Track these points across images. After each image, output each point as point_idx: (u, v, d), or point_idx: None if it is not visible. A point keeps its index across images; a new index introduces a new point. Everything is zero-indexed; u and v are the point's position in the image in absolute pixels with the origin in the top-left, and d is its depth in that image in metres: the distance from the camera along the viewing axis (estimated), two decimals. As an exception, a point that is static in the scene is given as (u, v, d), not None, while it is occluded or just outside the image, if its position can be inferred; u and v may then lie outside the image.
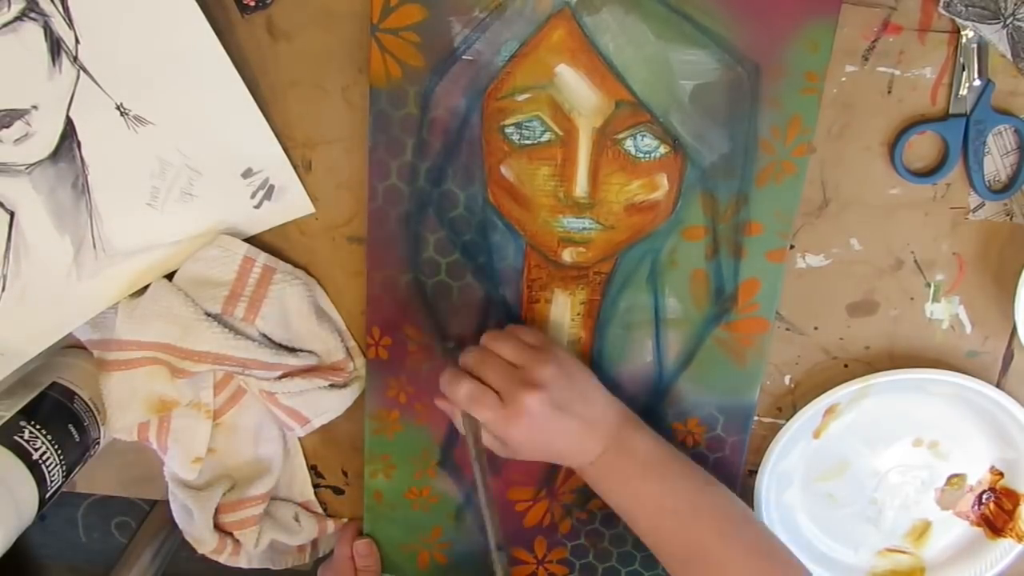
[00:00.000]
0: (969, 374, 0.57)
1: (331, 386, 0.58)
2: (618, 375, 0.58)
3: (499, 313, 0.56)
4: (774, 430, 0.60)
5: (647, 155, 0.52)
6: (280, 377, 0.56)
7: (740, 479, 0.60)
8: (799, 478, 0.62)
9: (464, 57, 0.50)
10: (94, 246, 0.54)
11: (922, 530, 0.63)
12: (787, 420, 0.59)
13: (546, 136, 0.52)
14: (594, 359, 0.57)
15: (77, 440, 0.56)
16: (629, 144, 0.52)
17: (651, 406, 0.58)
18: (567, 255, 0.55)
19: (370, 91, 0.51)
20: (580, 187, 0.53)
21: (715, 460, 0.60)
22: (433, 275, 0.56)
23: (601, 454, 0.51)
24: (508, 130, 0.52)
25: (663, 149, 0.52)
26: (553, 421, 0.49)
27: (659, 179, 0.53)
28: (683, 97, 0.50)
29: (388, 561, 0.65)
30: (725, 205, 0.53)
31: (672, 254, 0.54)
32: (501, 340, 0.52)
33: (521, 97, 0.51)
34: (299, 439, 0.64)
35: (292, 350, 0.57)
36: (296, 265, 0.57)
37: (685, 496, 0.51)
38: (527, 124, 0.51)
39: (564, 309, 0.56)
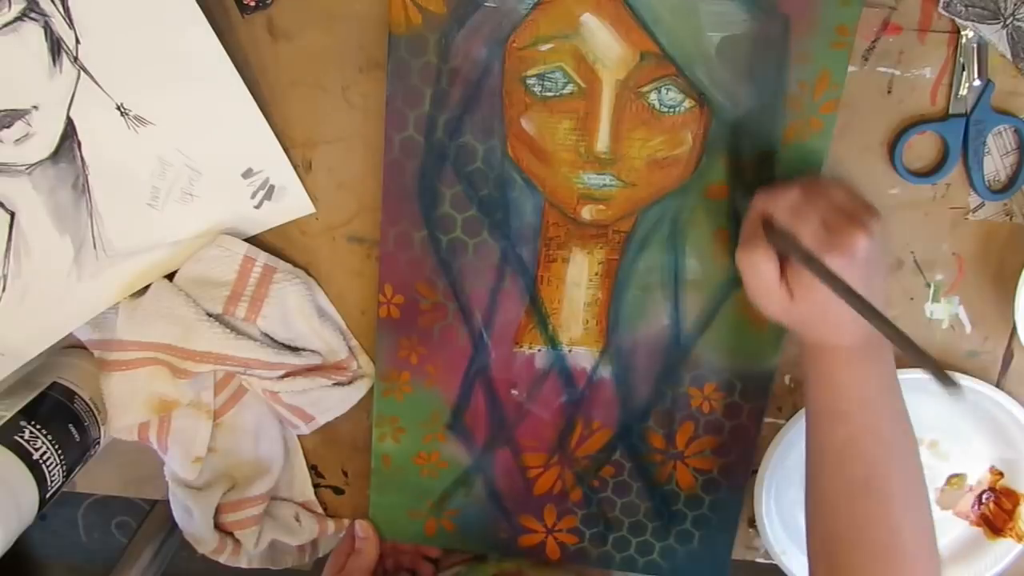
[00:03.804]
0: (969, 374, 0.57)
1: (335, 384, 0.58)
2: (635, 337, 0.56)
3: (515, 272, 0.55)
4: (774, 430, 0.60)
5: (671, 109, 0.51)
6: (283, 376, 0.56)
7: (755, 448, 0.59)
8: (800, 478, 0.61)
9: (487, 4, 0.49)
10: (95, 246, 0.54)
11: None
12: (787, 420, 0.59)
13: (568, 88, 0.50)
14: (611, 320, 0.56)
15: (77, 440, 0.56)
16: (653, 98, 0.50)
17: (668, 370, 0.57)
18: (586, 212, 0.53)
19: (389, 38, 0.50)
20: (602, 142, 0.51)
21: (731, 428, 0.58)
22: (449, 231, 0.54)
23: (860, 343, 0.46)
24: (530, 81, 0.50)
25: (688, 103, 0.50)
26: (863, 274, 0.44)
27: (683, 134, 0.51)
28: (710, 49, 0.49)
29: (395, 527, 0.64)
30: (750, 163, 0.52)
31: (694, 213, 0.53)
32: (834, 185, 0.47)
33: (544, 47, 0.50)
34: (299, 439, 0.64)
35: (294, 349, 0.57)
36: (296, 265, 0.57)
37: (896, 433, 0.48)
38: (550, 75, 0.50)
39: (582, 268, 0.55)
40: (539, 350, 0.58)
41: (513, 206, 0.54)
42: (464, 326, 0.57)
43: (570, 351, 0.57)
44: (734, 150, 0.51)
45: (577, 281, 0.55)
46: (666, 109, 0.51)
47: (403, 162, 0.53)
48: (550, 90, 0.51)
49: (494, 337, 0.57)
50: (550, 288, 0.56)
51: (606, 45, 0.49)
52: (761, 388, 0.57)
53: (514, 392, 0.59)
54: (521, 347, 0.57)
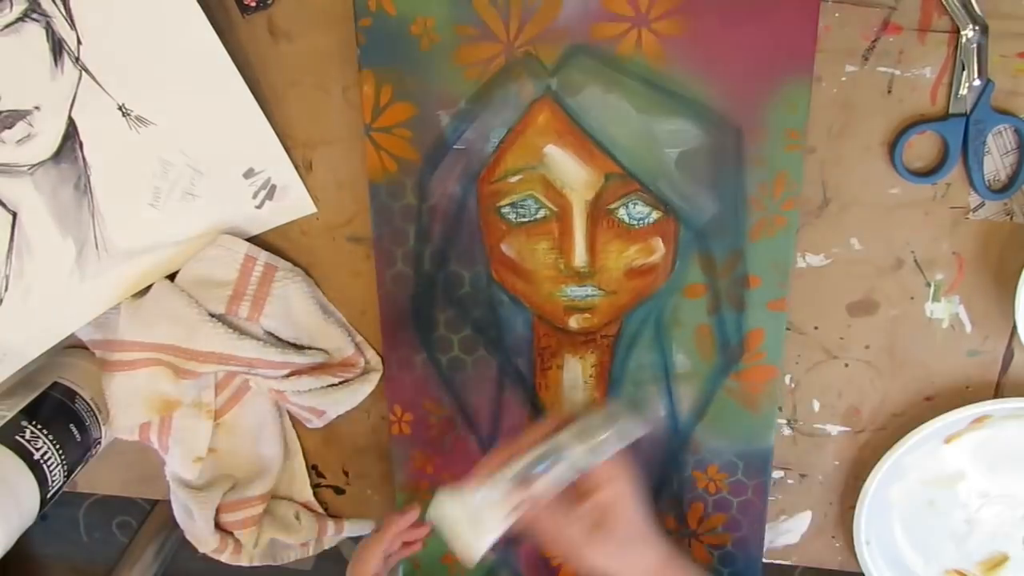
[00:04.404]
0: (969, 373, 0.57)
1: (342, 383, 0.58)
2: None
3: (514, 382, 0.58)
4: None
5: (641, 221, 0.53)
6: (289, 375, 0.56)
7: (764, 519, 0.61)
8: (912, 475, 0.61)
9: (456, 147, 0.52)
10: (96, 247, 0.54)
11: (997, 562, 0.62)
12: (787, 420, 0.59)
13: (541, 213, 0.53)
14: None
15: (78, 440, 0.56)
16: (622, 213, 0.53)
17: (671, 457, 0.59)
18: (573, 322, 0.56)
19: (369, 186, 0.53)
20: (579, 257, 0.54)
21: (739, 504, 0.61)
22: (447, 352, 0.57)
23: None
24: (504, 210, 0.53)
25: (656, 214, 0.53)
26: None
27: (655, 243, 0.54)
28: (670, 164, 0.51)
29: None
30: (722, 262, 0.54)
31: (675, 312, 0.55)
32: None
33: (514, 179, 0.52)
34: (299, 439, 0.64)
35: (299, 348, 0.57)
36: (297, 265, 0.57)
37: None
38: (522, 203, 0.53)
39: (576, 373, 0.58)
40: None
41: (504, 323, 0.56)
42: (473, 435, 0.60)
43: None
44: (705, 252, 0.54)
45: (574, 385, 0.58)
46: (635, 222, 0.53)
47: (396, 294, 0.56)
48: (524, 216, 0.53)
49: (502, 442, 0.59)
50: (549, 393, 0.58)
51: (572, 171, 0.52)
52: (761, 465, 0.59)
53: None
54: None
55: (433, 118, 0.51)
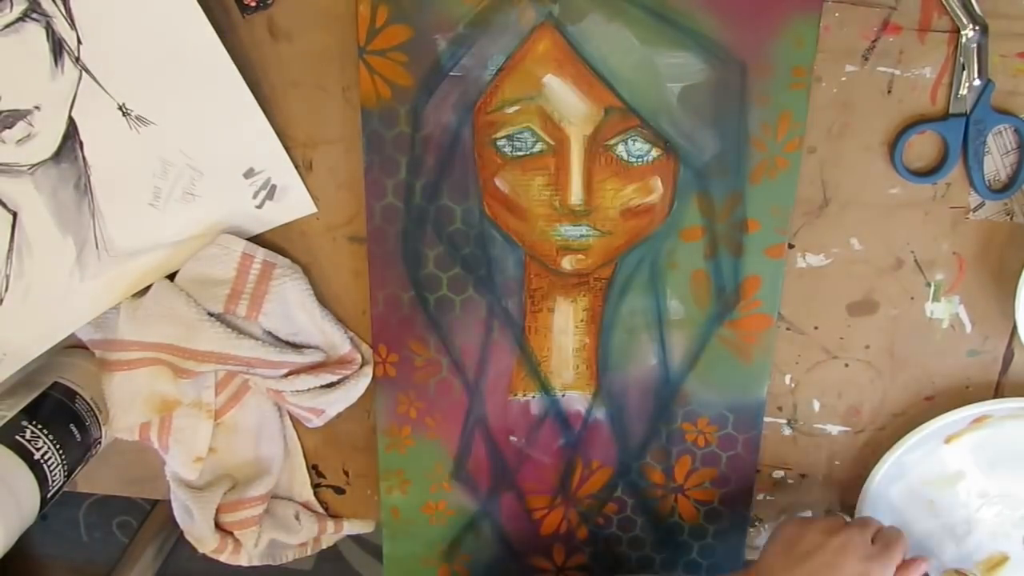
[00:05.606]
0: (969, 373, 0.57)
1: (340, 380, 0.58)
2: (625, 379, 0.58)
3: (503, 324, 0.57)
4: (775, 430, 0.60)
5: (639, 159, 0.52)
6: (287, 375, 0.56)
7: (754, 476, 0.61)
8: (912, 475, 0.61)
9: (452, 73, 0.50)
10: (97, 246, 0.54)
11: (997, 562, 0.62)
12: (787, 421, 0.59)
13: (538, 146, 0.52)
14: (600, 364, 0.58)
15: (79, 440, 0.56)
16: (621, 149, 0.52)
17: (661, 408, 0.59)
18: (566, 263, 0.55)
19: (361, 112, 0.51)
20: (575, 195, 0.53)
21: (728, 458, 0.60)
22: (435, 290, 0.56)
23: None
24: (500, 143, 0.52)
25: (655, 152, 0.52)
26: None
27: (653, 182, 0.53)
28: (671, 99, 0.50)
29: None
30: (721, 204, 0.53)
31: (671, 256, 0.54)
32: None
33: (511, 109, 0.51)
34: (299, 439, 0.64)
35: (297, 347, 0.57)
36: (296, 264, 0.57)
37: None
38: (518, 136, 0.52)
39: (567, 317, 0.57)
40: (533, 397, 0.59)
41: (495, 262, 0.55)
42: (459, 379, 0.58)
43: (563, 396, 0.59)
44: (704, 193, 0.53)
45: (564, 329, 0.57)
46: (634, 159, 0.52)
47: (385, 228, 0.54)
48: (520, 150, 0.52)
49: (488, 387, 0.58)
50: (538, 337, 0.57)
51: (571, 103, 0.51)
52: (753, 418, 0.59)
53: (513, 439, 0.60)
54: (516, 395, 0.59)
55: (430, 42, 0.50)
